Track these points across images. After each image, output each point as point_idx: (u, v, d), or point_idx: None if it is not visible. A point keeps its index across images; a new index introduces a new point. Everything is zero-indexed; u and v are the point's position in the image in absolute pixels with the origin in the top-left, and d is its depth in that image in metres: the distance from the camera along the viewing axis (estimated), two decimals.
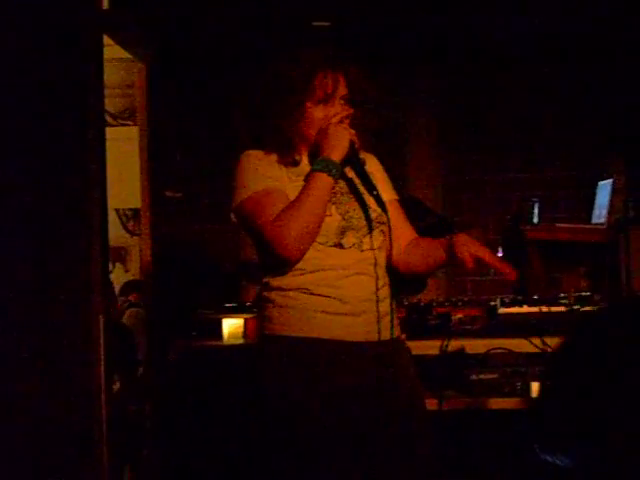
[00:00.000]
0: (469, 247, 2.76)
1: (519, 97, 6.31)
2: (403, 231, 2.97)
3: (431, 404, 3.43)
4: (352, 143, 2.80)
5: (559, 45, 6.08)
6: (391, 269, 2.88)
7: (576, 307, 4.23)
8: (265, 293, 2.86)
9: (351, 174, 2.89)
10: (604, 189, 5.49)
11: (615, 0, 5.42)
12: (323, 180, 2.74)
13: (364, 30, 5.63)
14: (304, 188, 2.74)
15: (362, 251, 2.80)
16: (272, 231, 2.70)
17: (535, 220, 5.52)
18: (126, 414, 5.09)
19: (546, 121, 6.32)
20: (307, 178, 2.77)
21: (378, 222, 2.85)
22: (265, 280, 2.86)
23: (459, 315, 4.29)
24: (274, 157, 2.84)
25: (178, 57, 5.76)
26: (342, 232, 2.78)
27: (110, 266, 5.16)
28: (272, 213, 2.72)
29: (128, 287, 6.02)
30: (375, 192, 2.84)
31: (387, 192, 2.98)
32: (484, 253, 2.76)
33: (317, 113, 2.83)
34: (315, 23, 5.45)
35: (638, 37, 5.70)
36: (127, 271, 6.27)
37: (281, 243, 2.70)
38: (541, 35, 6.01)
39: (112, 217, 5.35)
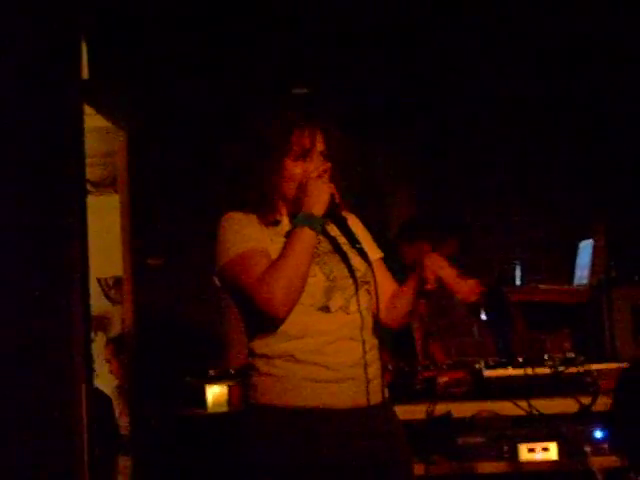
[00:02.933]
0: (434, 267, 2.78)
1: (499, 160, 6.34)
2: (387, 288, 2.95)
3: (419, 469, 3.40)
4: (332, 197, 2.76)
5: (539, 107, 6.13)
6: (377, 329, 2.86)
7: (560, 369, 4.22)
8: (250, 360, 2.82)
9: (334, 232, 2.87)
10: (585, 250, 5.50)
11: (597, 64, 5.48)
12: (306, 234, 2.70)
13: (342, 97, 5.67)
14: (287, 244, 2.70)
15: (348, 314, 2.76)
16: (258, 288, 2.65)
17: (517, 282, 5.54)
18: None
19: (527, 183, 6.35)
20: (289, 235, 2.74)
21: (363, 281, 2.82)
22: (250, 346, 2.82)
23: (444, 379, 4.26)
24: (254, 218, 2.80)
25: (158, 125, 5.77)
26: (328, 293, 2.74)
27: (92, 335, 5.14)
28: (256, 272, 2.67)
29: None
30: (358, 245, 2.79)
31: (371, 250, 2.94)
32: (446, 274, 2.77)
33: (296, 169, 2.80)
34: (294, 90, 5.47)
35: (621, 102, 5.77)
36: (109, 339, 6.25)
37: (268, 300, 2.64)
38: (521, 97, 6.06)
39: (94, 286, 5.34)
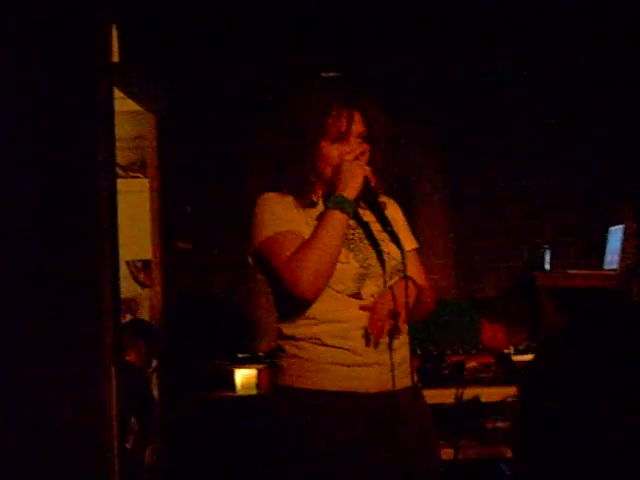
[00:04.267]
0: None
1: (529, 143, 6.31)
2: (417, 281, 2.91)
3: (447, 453, 3.40)
4: (367, 180, 2.74)
5: (572, 91, 6.09)
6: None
7: None
8: (278, 342, 2.83)
9: (368, 218, 2.84)
10: (615, 235, 5.48)
11: (628, 43, 5.43)
12: (336, 217, 2.68)
13: (372, 80, 5.65)
14: (318, 227, 2.69)
15: None
16: (286, 270, 2.66)
17: (547, 267, 5.51)
18: (142, 457, 5.07)
19: (557, 168, 6.32)
20: (320, 218, 2.73)
21: (397, 269, 2.79)
22: (279, 327, 2.82)
23: (473, 363, 4.26)
24: (291, 199, 2.80)
25: (188, 108, 5.78)
26: (361, 280, 2.73)
27: (121, 318, 5.16)
28: (287, 254, 2.67)
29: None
30: (389, 228, 2.76)
31: (407, 240, 2.93)
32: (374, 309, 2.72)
33: (332, 151, 2.77)
34: (323, 74, 5.46)
35: None
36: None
37: (295, 281, 2.64)
38: (555, 81, 6.02)
39: (123, 269, 5.35)
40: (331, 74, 5.43)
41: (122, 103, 4.87)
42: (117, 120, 4.35)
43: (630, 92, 5.90)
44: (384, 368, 2.73)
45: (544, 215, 6.31)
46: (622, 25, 5.23)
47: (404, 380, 2.76)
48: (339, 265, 2.70)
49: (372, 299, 2.73)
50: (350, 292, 2.72)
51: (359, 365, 2.72)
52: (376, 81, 5.53)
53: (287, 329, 2.78)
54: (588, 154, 6.23)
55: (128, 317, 6.11)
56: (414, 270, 2.92)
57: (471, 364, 4.27)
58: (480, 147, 6.35)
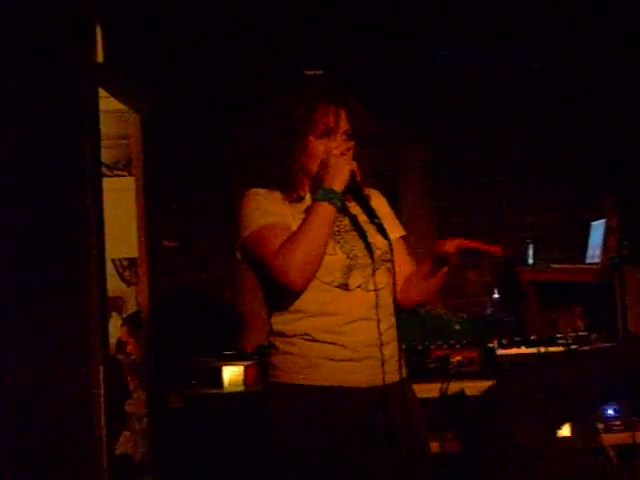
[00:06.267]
0: (451, 243, 2.83)
1: (512, 139, 6.34)
2: (404, 268, 2.99)
3: (433, 447, 3.44)
4: (353, 174, 2.80)
5: (553, 87, 6.13)
6: (397, 309, 2.88)
7: (573, 347, 4.24)
8: (270, 338, 2.87)
9: (355, 210, 2.91)
10: (597, 229, 5.52)
11: (611, 41, 5.46)
12: (325, 209, 2.74)
13: (357, 77, 5.67)
14: (306, 218, 2.75)
15: (367, 292, 2.80)
16: (276, 260, 2.70)
17: (530, 261, 5.55)
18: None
19: (539, 162, 6.35)
20: (308, 209, 2.78)
21: (383, 260, 2.85)
22: (269, 322, 2.87)
23: (457, 358, 4.29)
24: (278, 194, 2.87)
25: (173, 107, 5.80)
26: (348, 271, 2.78)
27: (108, 317, 5.17)
28: (276, 245, 2.72)
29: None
30: (377, 220, 2.82)
31: (394, 229, 2.99)
32: (465, 243, 2.82)
33: (319, 147, 2.85)
34: (307, 72, 5.49)
35: (633, 80, 5.75)
36: (124, 319, 6.27)
37: (285, 271, 2.69)
38: (537, 78, 6.06)
39: (109, 267, 5.36)
40: (315, 72, 5.47)
41: (107, 102, 4.89)
42: (102, 119, 4.37)
43: (613, 86, 5.94)
44: (375, 362, 2.77)
45: (527, 210, 6.35)
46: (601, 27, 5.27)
47: (393, 375, 2.80)
48: (326, 257, 2.74)
49: (359, 290, 2.78)
50: (338, 283, 2.77)
51: (350, 360, 2.76)
52: (361, 79, 5.59)
53: (277, 325, 2.82)
54: (572, 149, 6.27)
55: (114, 315, 6.13)
56: (403, 257, 3.01)
57: (455, 358, 4.29)
58: (463, 143, 6.38)
